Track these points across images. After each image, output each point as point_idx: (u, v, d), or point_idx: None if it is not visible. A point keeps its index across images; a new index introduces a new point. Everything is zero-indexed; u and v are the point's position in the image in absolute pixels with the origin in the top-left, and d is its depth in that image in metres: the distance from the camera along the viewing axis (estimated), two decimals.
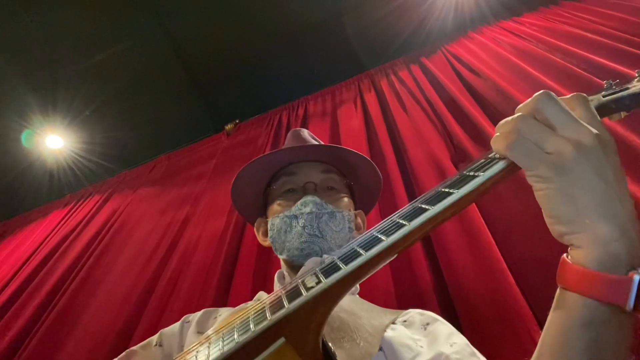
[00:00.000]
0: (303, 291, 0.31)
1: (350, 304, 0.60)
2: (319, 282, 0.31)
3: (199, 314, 0.69)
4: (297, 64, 2.24)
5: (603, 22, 1.59)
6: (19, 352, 1.39)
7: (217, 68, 2.24)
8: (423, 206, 0.34)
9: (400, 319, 0.59)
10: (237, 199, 0.84)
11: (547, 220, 0.36)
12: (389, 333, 0.53)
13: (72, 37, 1.99)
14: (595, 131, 0.34)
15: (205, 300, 1.22)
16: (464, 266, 0.98)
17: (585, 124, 0.34)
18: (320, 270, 0.32)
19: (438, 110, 1.57)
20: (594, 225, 0.32)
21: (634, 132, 1.06)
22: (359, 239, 0.34)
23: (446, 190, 0.34)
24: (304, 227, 0.67)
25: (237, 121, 2.34)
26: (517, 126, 0.35)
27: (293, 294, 0.31)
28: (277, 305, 0.31)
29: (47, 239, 2.12)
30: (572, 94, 0.37)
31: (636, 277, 0.30)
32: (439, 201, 0.33)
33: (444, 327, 0.57)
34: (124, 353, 0.63)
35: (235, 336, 0.30)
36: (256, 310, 0.33)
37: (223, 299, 1.22)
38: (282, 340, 0.29)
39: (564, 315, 0.34)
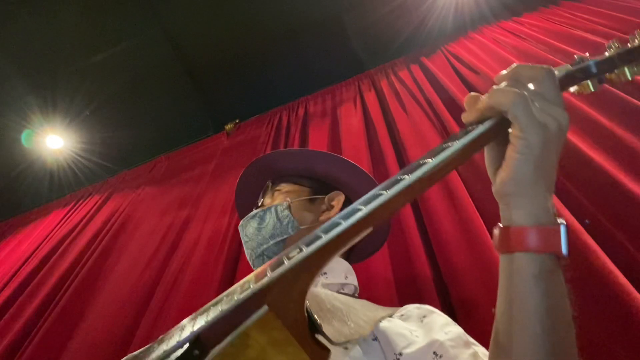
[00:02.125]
0: (285, 261, 0.32)
1: (348, 299, 0.61)
2: (301, 251, 0.32)
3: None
4: (297, 64, 2.24)
5: (603, 23, 1.60)
6: (19, 353, 1.39)
7: (217, 68, 2.24)
8: (400, 177, 0.35)
9: (397, 314, 0.60)
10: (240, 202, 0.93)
11: (502, 176, 0.38)
12: (384, 324, 0.54)
13: (72, 37, 1.99)
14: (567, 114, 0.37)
15: (207, 301, 1.22)
16: (462, 263, 0.99)
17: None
18: (302, 242, 0.34)
19: (438, 110, 1.57)
20: (540, 192, 0.37)
21: (633, 132, 1.06)
22: (342, 212, 0.36)
23: (422, 162, 0.36)
24: (249, 257, 0.80)
25: (237, 121, 2.34)
26: (523, 85, 0.37)
27: (276, 264, 0.33)
28: (261, 275, 0.32)
29: (47, 238, 2.12)
30: (542, 66, 0.39)
31: (562, 227, 0.36)
32: (414, 170, 0.35)
33: (440, 318, 0.58)
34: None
35: (220, 307, 0.31)
36: (242, 283, 0.34)
37: None
38: (265, 308, 0.30)
39: (513, 276, 0.38)
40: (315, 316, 0.33)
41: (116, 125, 2.34)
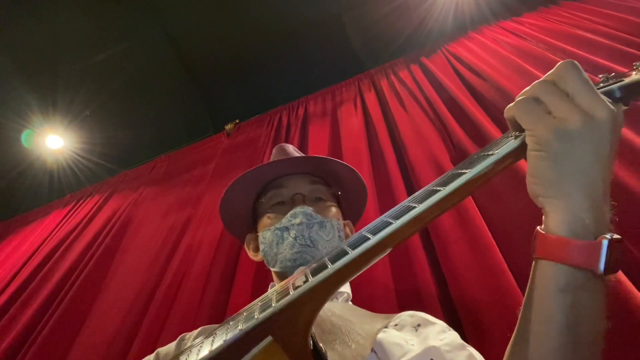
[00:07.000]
0: (291, 290, 0.31)
1: (343, 310, 0.61)
2: (307, 281, 0.31)
3: (195, 332, 0.69)
4: (297, 64, 2.24)
5: (603, 22, 1.60)
6: (20, 353, 1.39)
7: (217, 68, 2.24)
8: (411, 204, 0.34)
9: (391, 324, 0.61)
10: (226, 218, 0.84)
11: (527, 177, 0.36)
12: (380, 336, 0.54)
13: (72, 37, 1.99)
14: (612, 107, 0.34)
15: (207, 302, 1.22)
16: (464, 266, 0.98)
17: (603, 97, 0.34)
18: (309, 270, 0.33)
19: (438, 110, 1.57)
20: (570, 194, 0.33)
21: (633, 128, 1.06)
22: (350, 239, 0.35)
23: (435, 188, 0.35)
24: (295, 238, 0.68)
25: (237, 121, 2.34)
26: (532, 88, 0.36)
27: (282, 293, 0.32)
28: (266, 305, 0.32)
29: (48, 239, 2.12)
30: (562, 62, 0.36)
31: (604, 242, 0.31)
32: (425, 199, 0.34)
33: (434, 326, 0.58)
34: None
35: (225, 336, 0.30)
36: (248, 311, 0.34)
37: (224, 302, 1.22)
38: (269, 339, 0.29)
39: (540, 284, 0.36)
40: (320, 344, 0.33)
41: (116, 125, 2.34)
